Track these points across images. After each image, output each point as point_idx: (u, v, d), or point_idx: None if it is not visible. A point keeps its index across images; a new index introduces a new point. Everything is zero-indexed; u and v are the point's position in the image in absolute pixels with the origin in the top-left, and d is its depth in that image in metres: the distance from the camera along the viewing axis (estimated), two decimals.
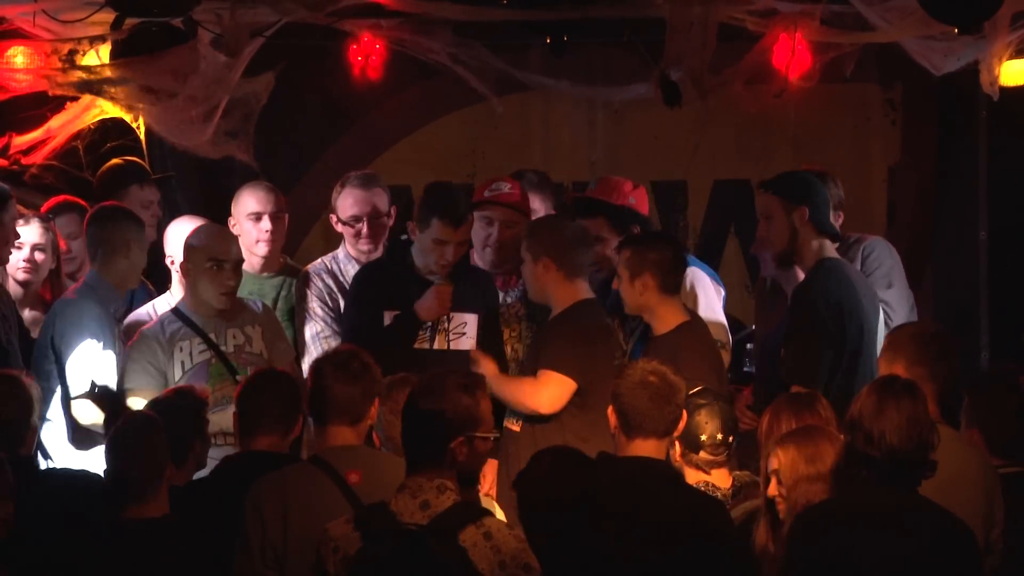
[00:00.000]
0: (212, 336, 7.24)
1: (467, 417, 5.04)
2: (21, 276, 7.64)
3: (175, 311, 7.33)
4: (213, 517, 5.71)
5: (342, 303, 7.69)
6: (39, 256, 7.65)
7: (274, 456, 5.86)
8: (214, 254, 7.22)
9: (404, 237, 7.49)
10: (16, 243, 7.60)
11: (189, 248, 7.30)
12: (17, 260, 7.63)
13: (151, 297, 7.84)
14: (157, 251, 7.88)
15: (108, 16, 7.45)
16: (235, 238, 7.49)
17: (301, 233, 9.67)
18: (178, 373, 7.19)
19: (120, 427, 5.82)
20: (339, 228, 7.93)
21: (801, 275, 7.08)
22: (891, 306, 7.62)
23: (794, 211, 7.00)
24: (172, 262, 7.72)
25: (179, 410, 6.29)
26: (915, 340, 5.98)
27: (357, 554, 4.91)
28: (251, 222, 7.84)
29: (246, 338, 7.29)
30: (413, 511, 4.93)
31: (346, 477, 5.41)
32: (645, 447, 5.48)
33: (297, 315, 7.73)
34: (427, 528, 4.88)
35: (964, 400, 5.87)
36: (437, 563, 4.79)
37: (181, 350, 7.22)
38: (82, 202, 7.96)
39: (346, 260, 7.91)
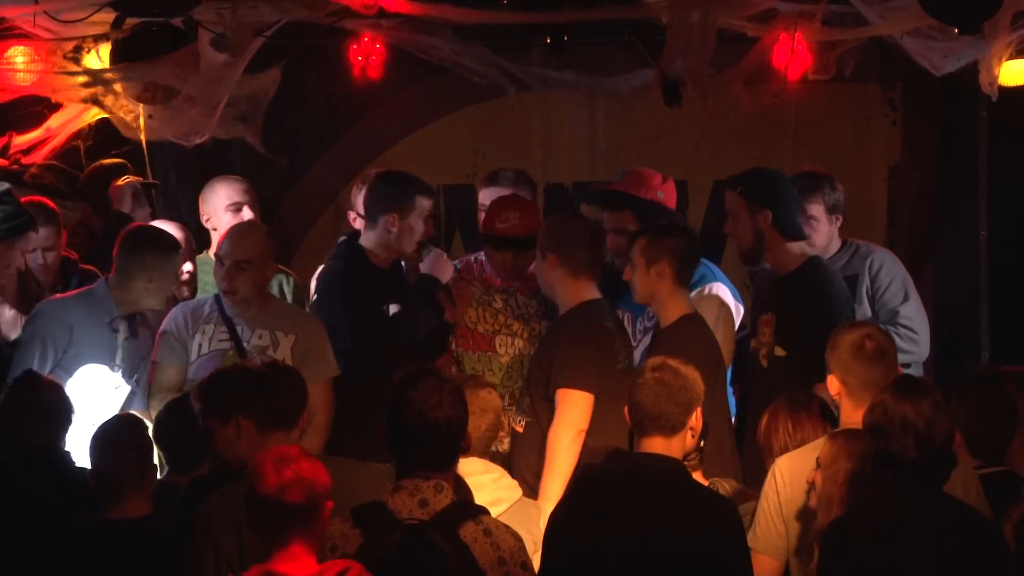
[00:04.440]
0: (240, 329, 7.26)
1: (463, 422, 5.12)
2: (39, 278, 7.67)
3: (216, 296, 7.37)
4: None
5: None
6: (50, 257, 7.67)
7: None
8: (219, 251, 7.33)
9: (343, 237, 7.59)
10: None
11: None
12: (32, 264, 7.64)
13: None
14: None
15: (108, 16, 7.45)
16: (246, 240, 7.37)
17: (302, 233, 9.68)
18: (193, 355, 7.22)
19: (103, 427, 5.82)
20: (358, 224, 7.92)
21: None
22: (911, 319, 7.64)
23: (758, 213, 7.05)
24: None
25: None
26: (849, 349, 5.97)
27: (360, 550, 4.91)
28: (231, 213, 7.91)
29: (272, 342, 7.26)
30: (412, 508, 4.94)
31: None
32: (653, 445, 5.47)
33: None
34: (428, 523, 4.90)
35: (950, 401, 5.87)
36: (441, 556, 4.80)
37: (203, 333, 7.24)
38: (56, 209, 7.89)
39: None
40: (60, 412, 6.22)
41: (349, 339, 7.26)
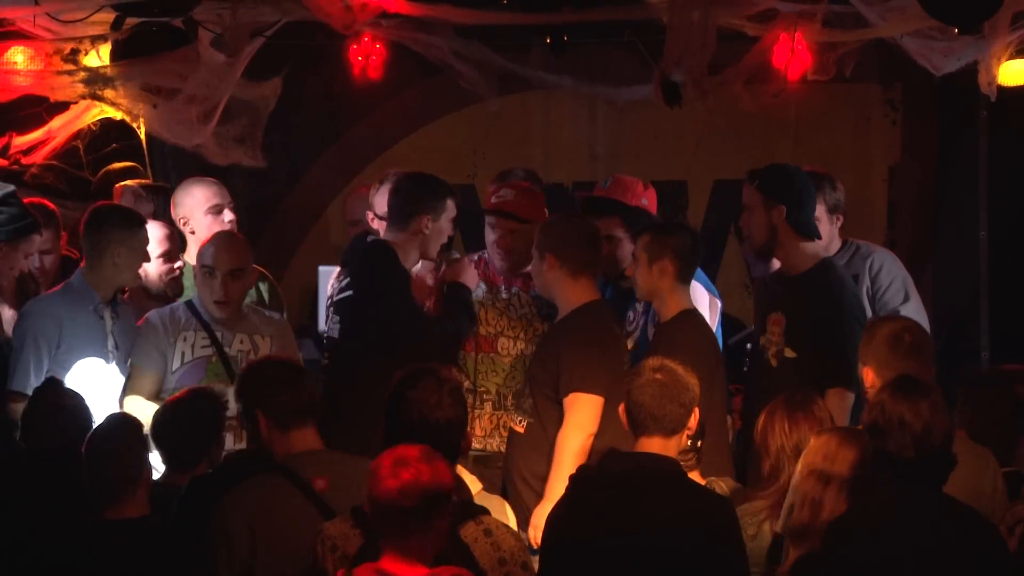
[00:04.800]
0: (219, 335, 7.25)
1: (463, 422, 5.14)
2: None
3: (188, 303, 7.34)
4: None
5: None
6: (48, 260, 7.66)
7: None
8: (206, 261, 7.25)
9: (371, 238, 7.52)
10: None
11: (199, 252, 7.38)
12: (30, 268, 7.65)
13: None
14: None
15: (108, 16, 7.46)
16: (236, 249, 7.35)
17: (301, 233, 9.68)
18: (176, 363, 7.20)
19: (97, 428, 5.83)
20: (375, 224, 7.91)
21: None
22: (911, 318, 7.62)
23: (773, 208, 7.04)
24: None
25: (198, 413, 6.29)
26: (886, 341, 5.97)
27: (360, 550, 4.91)
28: (211, 216, 7.86)
29: (252, 346, 7.26)
30: None
31: (313, 484, 5.37)
32: (651, 445, 5.47)
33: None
34: None
35: (957, 400, 5.87)
36: (441, 555, 4.80)
37: (185, 340, 7.22)
38: (56, 211, 7.89)
39: None
40: (79, 419, 6.22)
41: (392, 338, 7.18)
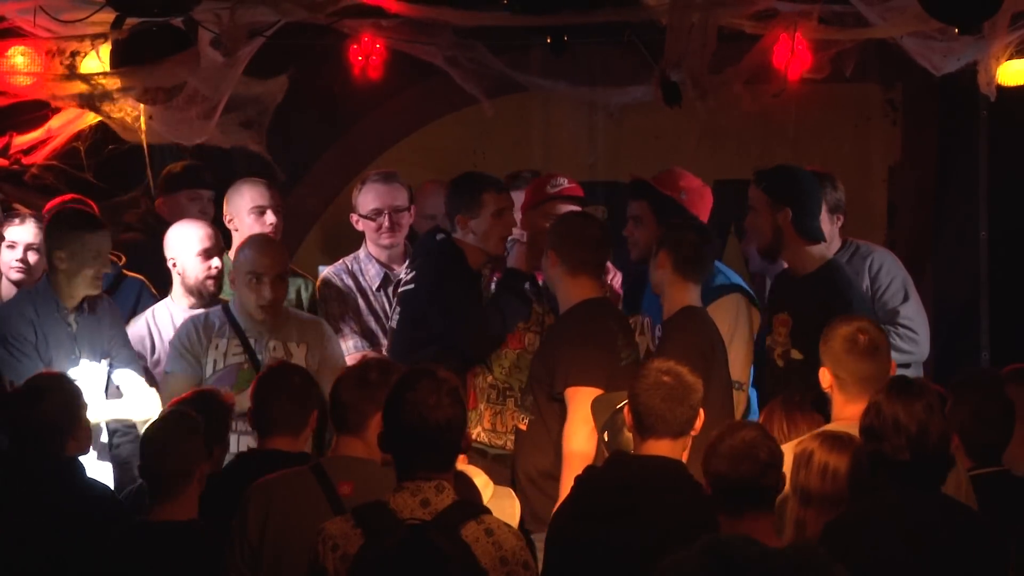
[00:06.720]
0: (252, 342, 7.25)
1: (463, 422, 5.11)
2: (15, 276, 7.66)
3: (225, 308, 7.38)
4: (225, 514, 5.72)
5: (361, 303, 7.79)
6: (32, 256, 7.65)
7: (286, 455, 5.86)
8: (253, 267, 7.28)
9: (440, 236, 7.52)
10: (9, 242, 7.61)
11: (236, 258, 7.42)
12: (11, 259, 7.65)
13: (155, 300, 7.86)
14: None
15: (108, 16, 7.44)
16: (279, 252, 7.43)
17: (301, 234, 9.68)
18: (208, 371, 7.22)
19: (156, 422, 5.83)
20: (360, 226, 7.97)
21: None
22: (911, 319, 7.63)
23: (779, 211, 7.03)
24: (173, 264, 7.76)
25: (203, 414, 6.29)
26: (842, 341, 5.97)
27: (361, 550, 4.90)
28: (254, 216, 7.89)
29: (286, 353, 7.26)
30: (413, 508, 4.94)
31: (338, 487, 5.41)
32: (658, 447, 5.47)
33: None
34: (430, 523, 4.90)
35: (947, 402, 5.87)
36: (442, 556, 4.80)
37: (217, 348, 7.24)
38: (91, 203, 7.94)
39: (367, 259, 7.97)
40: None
41: (442, 334, 7.25)
